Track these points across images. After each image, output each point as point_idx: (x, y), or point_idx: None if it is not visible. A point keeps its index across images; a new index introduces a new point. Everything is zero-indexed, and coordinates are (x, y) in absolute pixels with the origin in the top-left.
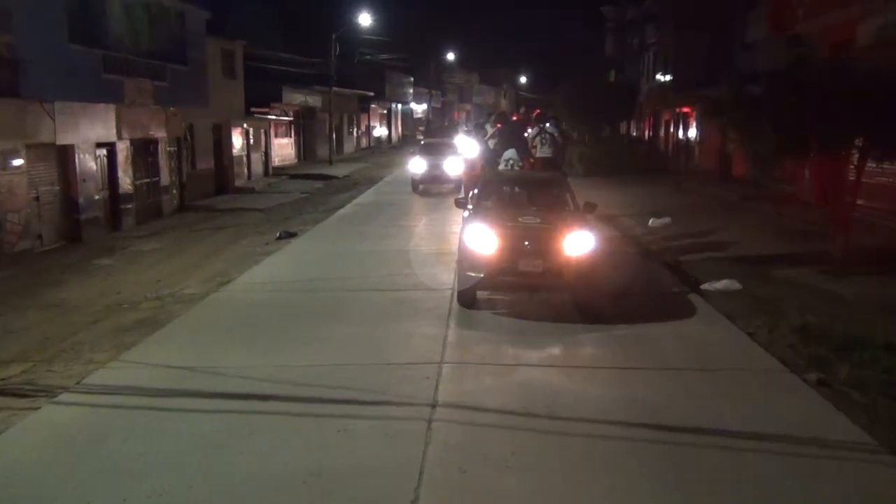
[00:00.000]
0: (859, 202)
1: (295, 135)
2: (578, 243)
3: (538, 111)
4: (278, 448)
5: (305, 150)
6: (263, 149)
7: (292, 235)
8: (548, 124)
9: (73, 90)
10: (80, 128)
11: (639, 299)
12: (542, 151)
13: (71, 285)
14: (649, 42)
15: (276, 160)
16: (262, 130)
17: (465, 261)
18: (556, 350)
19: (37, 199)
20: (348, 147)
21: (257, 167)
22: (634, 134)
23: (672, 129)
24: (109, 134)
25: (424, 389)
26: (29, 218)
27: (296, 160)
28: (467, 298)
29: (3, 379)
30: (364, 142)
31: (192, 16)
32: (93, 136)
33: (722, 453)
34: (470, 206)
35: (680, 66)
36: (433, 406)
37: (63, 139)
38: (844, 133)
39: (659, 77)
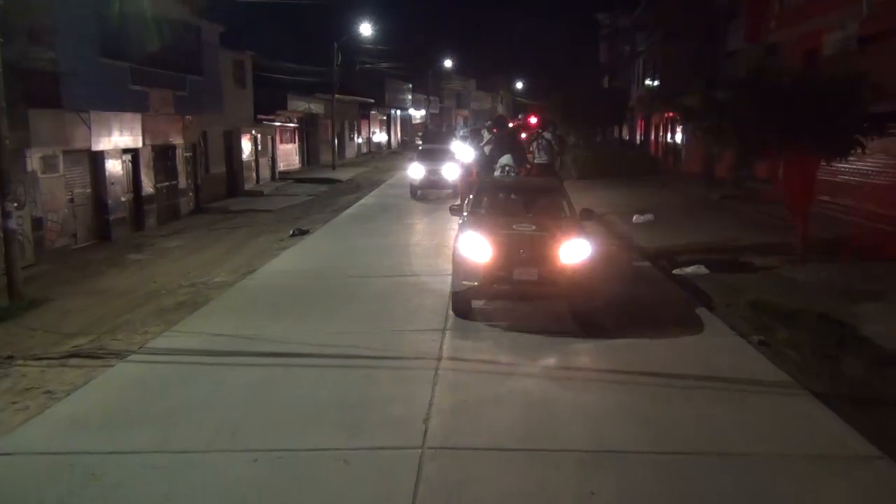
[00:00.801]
0: (826, 199)
1: (299, 140)
2: (574, 251)
3: (535, 116)
4: (315, 388)
5: (309, 155)
6: (270, 154)
7: (305, 233)
8: (546, 131)
9: (105, 100)
10: (111, 135)
11: (618, 284)
12: (539, 157)
13: (111, 276)
14: (639, 50)
15: (282, 165)
16: (269, 137)
17: (459, 269)
18: (541, 320)
19: (72, 200)
20: (350, 152)
21: (265, 172)
22: (626, 137)
23: (661, 133)
24: (136, 141)
25: (431, 347)
26: (66, 218)
27: (300, 165)
28: (462, 308)
29: (75, 346)
30: (364, 147)
31: (208, 29)
32: (121, 142)
33: (675, 391)
34: (465, 214)
35: (667, 72)
36: (439, 359)
37: (97, 146)
38: (796, 135)
39: (648, 83)
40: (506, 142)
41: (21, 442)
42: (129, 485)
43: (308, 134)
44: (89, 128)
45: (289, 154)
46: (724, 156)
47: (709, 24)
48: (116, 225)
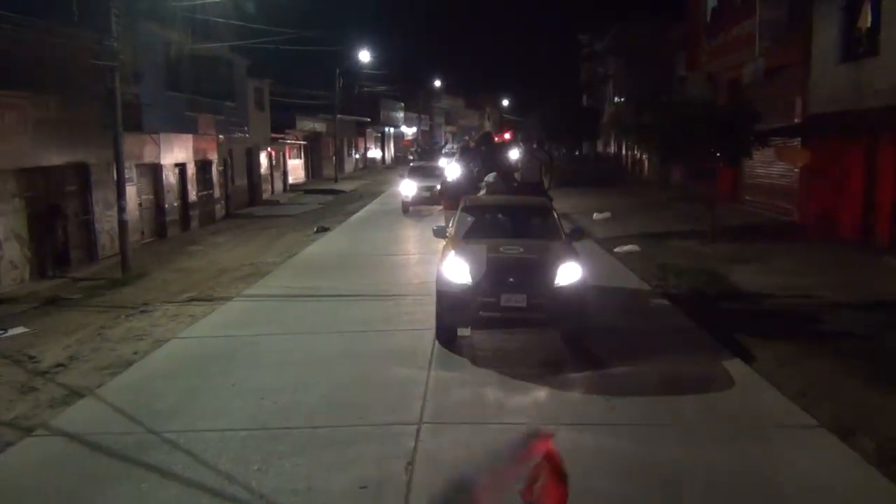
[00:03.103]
0: (748, 198)
1: (304, 156)
2: (565, 275)
3: (508, 132)
4: (363, 310)
5: (313, 169)
6: (282, 168)
7: (326, 230)
8: (534, 146)
9: (170, 124)
10: (172, 152)
11: None
12: (528, 175)
13: (183, 260)
14: (610, 73)
15: (291, 178)
16: (282, 153)
17: (443, 296)
18: None
19: (140, 204)
20: (348, 167)
21: (278, 184)
22: (601, 150)
23: (629, 147)
24: (187, 157)
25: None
26: (136, 219)
27: (305, 178)
28: (447, 336)
29: (189, 296)
30: (361, 163)
31: (238, 62)
32: (177, 158)
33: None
34: (449, 235)
35: (631, 93)
36: None
37: (162, 160)
38: (699, 148)
39: (617, 100)
40: (492, 159)
41: (195, 333)
42: (272, 346)
43: (312, 150)
44: (159, 146)
45: (296, 168)
46: (675, 166)
47: (664, 53)
48: (171, 225)
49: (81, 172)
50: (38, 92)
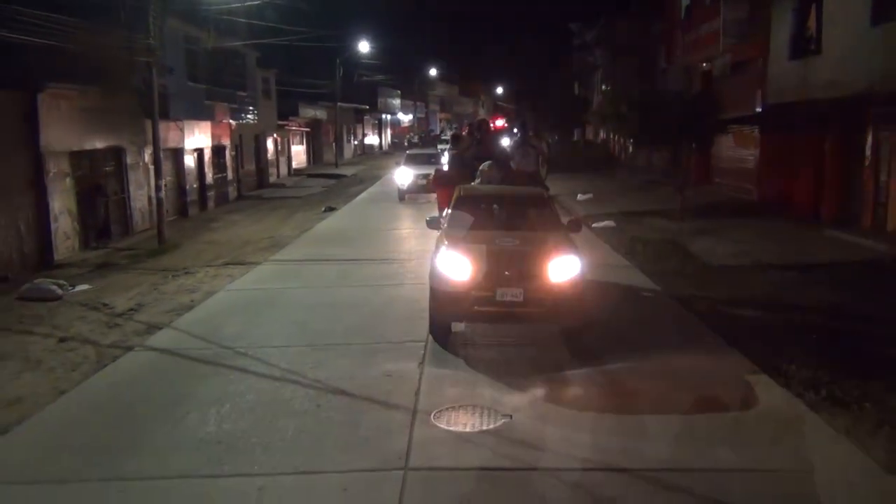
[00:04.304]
0: (718, 180)
1: (306, 143)
2: (564, 268)
3: (501, 118)
4: (374, 271)
5: (314, 155)
6: (287, 154)
7: (333, 209)
8: (530, 134)
9: (191, 113)
10: (192, 137)
11: None
12: (524, 164)
13: (208, 235)
14: (598, 63)
15: (294, 163)
16: (286, 139)
17: (436, 290)
18: None
19: (165, 185)
20: (347, 153)
21: (283, 168)
22: (590, 138)
23: (617, 135)
24: (205, 142)
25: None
26: (162, 198)
27: (307, 164)
28: (441, 332)
29: (224, 261)
30: (359, 149)
31: (249, 54)
32: (196, 143)
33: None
34: (442, 227)
35: (617, 83)
36: None
37: (185, 145)
38: (665, 135)
39: (605, 88)
40: (487, 147)
41: (237, 287)
42: (303, 295)
43: (314, 137)
44: (182, 132)
45: (299, 154)
46: (657, 151)
47: (646, 46)
48: (191, 205)
49: (118, 155)
50: (85, 84)
